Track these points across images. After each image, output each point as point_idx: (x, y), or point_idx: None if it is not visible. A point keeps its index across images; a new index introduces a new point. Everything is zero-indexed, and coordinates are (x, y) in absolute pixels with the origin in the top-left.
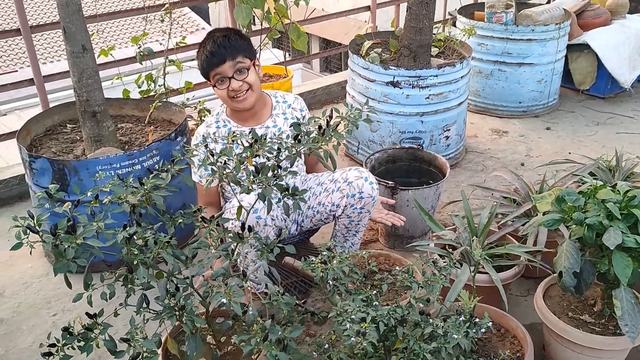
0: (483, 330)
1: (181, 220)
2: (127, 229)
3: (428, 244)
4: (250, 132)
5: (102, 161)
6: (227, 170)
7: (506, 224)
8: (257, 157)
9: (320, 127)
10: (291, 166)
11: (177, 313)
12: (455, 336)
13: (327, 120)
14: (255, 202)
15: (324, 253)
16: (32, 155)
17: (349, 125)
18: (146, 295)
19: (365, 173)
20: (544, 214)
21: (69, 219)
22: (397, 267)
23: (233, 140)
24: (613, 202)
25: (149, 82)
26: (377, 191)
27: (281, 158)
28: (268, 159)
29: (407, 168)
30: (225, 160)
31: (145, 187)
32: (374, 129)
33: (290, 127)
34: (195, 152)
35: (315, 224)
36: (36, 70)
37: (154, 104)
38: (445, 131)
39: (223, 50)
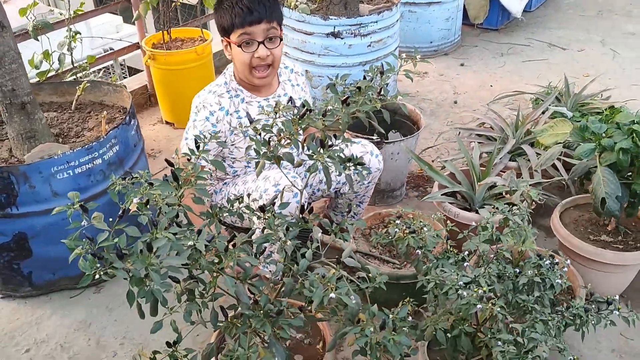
0: (565, 269)
1: (226, 214)
2: (200, 236)
3: (438, 195)
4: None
5: (57, 161)
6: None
7: (496, 163)
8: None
9: (360, 87)
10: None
11: (271, 320)
12: (559, 281)
13: (369, 77)
14: (308, 179)
15: (398, 222)
16: None
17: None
18: (222, 307)
19: (369, 146)
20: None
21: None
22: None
23: (276, 113)
24: (637, 124)
25: (49, 60)
26: (383, 162)
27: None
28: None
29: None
30: (275, 137)
31: (184, 182)
32: (315, 85)
33: (326, 88)
34: (204, 125)
35: (312, 200)
36: None
37: (82, 86)
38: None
39: (262, 9)
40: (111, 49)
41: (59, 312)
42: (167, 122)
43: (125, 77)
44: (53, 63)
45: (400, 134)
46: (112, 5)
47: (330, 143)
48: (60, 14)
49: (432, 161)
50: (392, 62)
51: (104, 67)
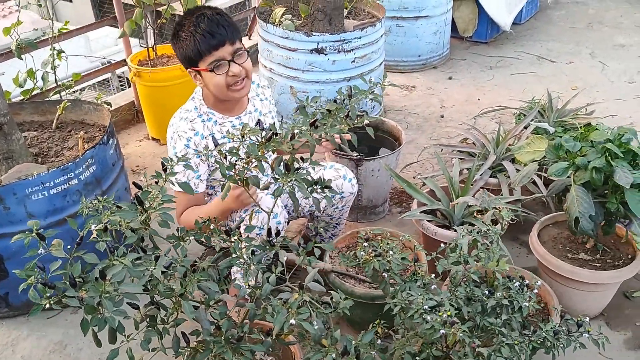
0: (536, 291)
1: (192, 237)
2: (159, 261)
3: (417, 213)
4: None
5: (31, 182)
6: (246, 172)
7: (476, 179)
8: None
9: (329, 111)
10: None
11: (232, 345)
12: (526, 304)
13: (339, 100)
14: (273, 206)
15: (365, 245)
16: None
17: (364, 100)
18: (184, 333)
19: (342, 171)
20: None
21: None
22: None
23: (243, 136)
24: (611, 142)
25: (33, 79)
26: (357, 186)
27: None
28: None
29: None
30: (237, 160)
31: (148, 206)
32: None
33: (296, 110)
34: (185, 156)
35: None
36: None
37: (62, 105)
38: (370, 93)
39: (222, 31)
40: (109, 62)
41: (36, 333)
42: (153, 139)
43: (123, 89)
44: (37, 81)
45: (389, 149)
46: (98, 23)
47: (297, 166)
48: (44, 34)
49: (414, 177)
50: (362, 86)
51: (103, 79)
